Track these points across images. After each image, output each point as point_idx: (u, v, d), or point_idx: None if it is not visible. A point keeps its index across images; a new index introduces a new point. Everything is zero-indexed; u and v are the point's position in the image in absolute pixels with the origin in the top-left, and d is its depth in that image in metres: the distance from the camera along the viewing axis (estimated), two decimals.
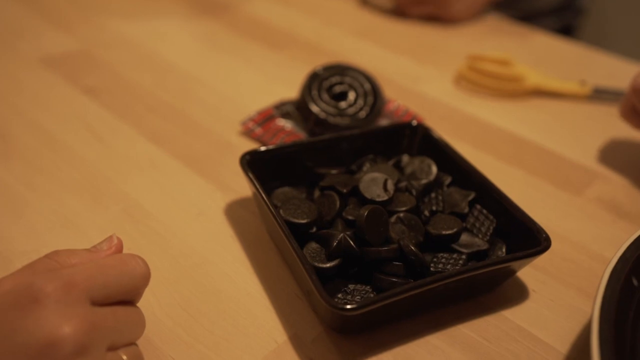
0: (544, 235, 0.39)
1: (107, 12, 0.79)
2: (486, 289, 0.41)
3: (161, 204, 0.48)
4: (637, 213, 0.50)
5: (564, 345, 0.38)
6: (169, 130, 0.57)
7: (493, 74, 0.65)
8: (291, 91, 0.61)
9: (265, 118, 0.56)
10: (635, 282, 0.34)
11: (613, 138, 0.59)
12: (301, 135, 0.55)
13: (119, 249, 0.35)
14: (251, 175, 0.42)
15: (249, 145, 0.55)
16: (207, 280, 0.41)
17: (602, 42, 0.89)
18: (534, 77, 0.65)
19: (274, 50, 0.72)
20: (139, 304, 0.34)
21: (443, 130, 0.56)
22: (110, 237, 0.35)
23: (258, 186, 0.41)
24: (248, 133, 0.56)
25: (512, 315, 0.40)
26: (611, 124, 0.59)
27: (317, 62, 0.64)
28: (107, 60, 0.68)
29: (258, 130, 0.55)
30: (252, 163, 0.44)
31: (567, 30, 0.99)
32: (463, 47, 0.75)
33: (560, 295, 0.42)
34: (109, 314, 0.30)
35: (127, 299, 0.33)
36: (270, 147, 0.46)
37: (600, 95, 0.64)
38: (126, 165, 0.52)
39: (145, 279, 0.33)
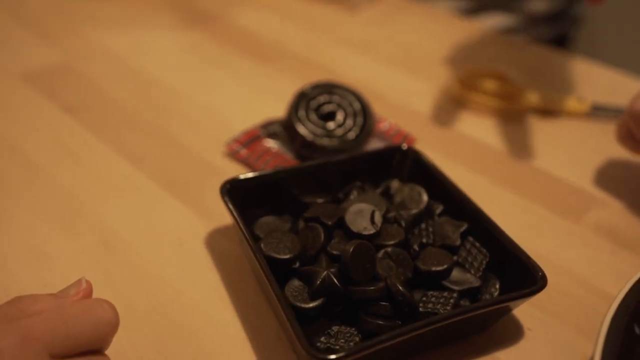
0: (540, 274, 0.37)
1: (91, 23, 0.76)
2: (478, 329, 0.39)
3: (138, 231, 0.46)
4: (636, 240, 0.48)
5: None
6: (149, 150, 0.54)
7: (488, 91, 0.63)
8: (280, 106, 0.59)
9: (251, 138, 0.54)
10: (637, 330, 0.31)
11: (611, 158, 0.57)
12: (288, 157, 0.53)
13: (88, 293, 0.33)
14: (231, 207, 0.40)
15: (233, 168, 0.52)
16: (184, 318, 0.39)
17: (599, 52, 0.87)
18: (530, 94, 0.63)
19: (263, 63, 0.70)
20: (110, 348, 0.32)
21: (435, 150, 0.53)
22: (79, 280, 0.33)
23: (238, 219, 0.39)
24: (233, 154, 0.53)
25: (505, 356, 0.38)
26: (610, 143, 0.57)
27: (307, 75, 0.62)
28: (87, 74, 0.65)
29: (243, 152, 0.53)
30: (233, 191, 0.42)
31: (562, 39, 0.97)
32: (458, 59, 0.72)
33: (558, 334, 0.40)
34: None
35: (93, 348, 0.31)
36: (252, 174, 0.44)
37: (599, 112, 0.62)
38: (103, 189, 0.49)
39: (112, 326, 0.31)
